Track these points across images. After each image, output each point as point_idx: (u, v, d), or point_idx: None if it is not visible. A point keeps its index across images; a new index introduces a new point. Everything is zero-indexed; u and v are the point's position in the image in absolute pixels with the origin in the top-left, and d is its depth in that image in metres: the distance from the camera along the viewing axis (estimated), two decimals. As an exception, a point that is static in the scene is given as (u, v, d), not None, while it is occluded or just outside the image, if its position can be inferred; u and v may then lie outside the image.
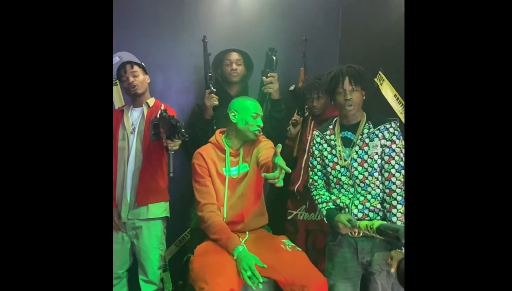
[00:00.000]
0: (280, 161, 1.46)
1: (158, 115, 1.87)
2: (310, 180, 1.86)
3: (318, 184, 1.82)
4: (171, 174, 1.81)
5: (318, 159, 1.81)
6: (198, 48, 2.16)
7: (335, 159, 1.74)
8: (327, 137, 1.78)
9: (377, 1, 2.35)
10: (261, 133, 1.95)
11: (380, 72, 2.21)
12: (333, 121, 1.81)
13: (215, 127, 2.14)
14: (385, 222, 1.48)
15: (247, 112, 1.86)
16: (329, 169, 1.76)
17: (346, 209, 1.69)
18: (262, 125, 1.89)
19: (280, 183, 1.48)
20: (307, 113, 2.26)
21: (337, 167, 1.73)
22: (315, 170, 1.83)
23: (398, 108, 2.09)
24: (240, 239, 1.81)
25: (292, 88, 2.24)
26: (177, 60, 2.36)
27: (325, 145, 1.79)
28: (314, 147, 1.84)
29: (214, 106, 2.14)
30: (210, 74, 2.07)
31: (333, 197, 1.76)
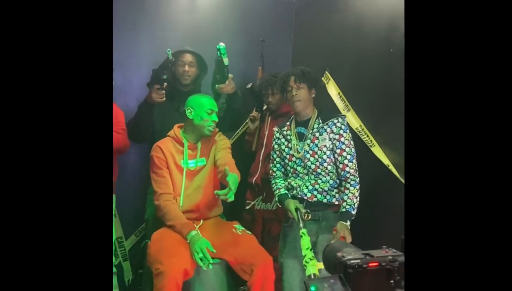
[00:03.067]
0: (231, 179, 1.63)
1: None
2: (270, 171, 2.00)
3: (276, 175, 1.97)
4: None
5: (277, 152, 1.95)
6: (157, 45, 2.17)
7: (291, 152, 1.88)
8: (284, 132, 1.93)
9: (326, 4, 2.45)
10: (216, 129, 2.01)
11: (326, 72, 2.31)
12: (290, 119, 1.94)
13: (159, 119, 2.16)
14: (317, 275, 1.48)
15: (202, 108, 1.91)
16: (286, 160, 1.90)
17: (298, 189, 1.85)
18: (217, 120, 1.94)
19: (230, 199, 1.64)
20: (265, 108, 2.33)
21: (293, 158, 1.88)
22: (275, 162, 1.98)
23: (341, 105, 2.19)
24: (195, 225, 1.88)
25: (249, 86, 2.29)
26: (137, 57, 2.35)
27: (282, 140, 1.92)
28: (274, 142, 1.98)
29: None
30: (165, 77, 2.03)
31: (289, 181, 1.91)
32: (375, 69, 2.11)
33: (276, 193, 1.93)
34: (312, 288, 0.73)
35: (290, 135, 1.89)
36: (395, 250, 0.78)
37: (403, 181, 1.91)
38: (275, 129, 1.98)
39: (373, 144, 2.06)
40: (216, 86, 2.14)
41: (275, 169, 1.97)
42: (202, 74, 2.31)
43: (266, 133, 2.30)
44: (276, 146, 1.95)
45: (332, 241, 0.93)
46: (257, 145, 2.34)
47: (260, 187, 2.27)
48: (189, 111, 1.93)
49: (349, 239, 1.71)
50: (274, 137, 1.97)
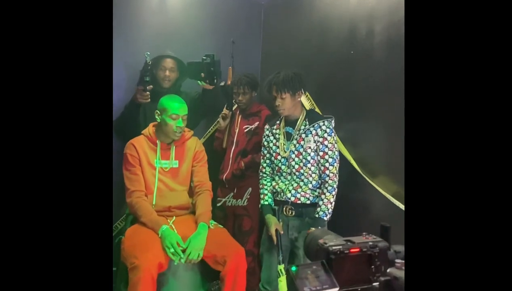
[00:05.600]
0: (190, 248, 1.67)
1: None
2: (260, 167, 2.01)
3: (266, 171, 1.98)
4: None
5: (267, 149, 1.95)
6: (128, 46, 2.10)
7: (278, 150, 1.89)
8: (274, 131, 1.93)
9: (293, 5, 2.48)
10: (191, 132, 1.99)
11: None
12: (281, 117, 1.93)
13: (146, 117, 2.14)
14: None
15: (167, 113, 1.85)
16: (272, 158, 1.91)
17: (282, 193, 1.86)
18: (182, 125, 1.87)
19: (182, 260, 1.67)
20: (235, 107, 2.33)
21: (279, 157, 1.89)
22: (265, 158, 1.98)
23: (307, 105, 2.23)
24: (168, 220, 1.85)
25: (222, 84, 2.27)
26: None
27: (271, 138, 1.93)
28: (264, 139, 1.98)
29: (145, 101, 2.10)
30: (147, 79, 2.01)
31: (274, 183, 1.92)
32: (338, 70, 2.17)
33: (261, 200, 1.94)
34: (293, 268, 0.74)
35: (279, 134, 1.89)
36: (375, 236, 0.79)
37: (364, 175, 1.98)
38: (266, 126, 1.99)
39: (336, 141, 2.11)
40: (199, 82, 2.15)
41: (265, 165, 1.98)
42: (182, 77, 2.30)
43: (237, 131, 2.31)
44: (266, 143, 1.96)
45: (312, 229, 0.94)
46: (228, 142, 2.34)
47: (230, 183, 2.27)
48: (157, 114, 1.89)
49: None
50: (265, 134, 1.98)
